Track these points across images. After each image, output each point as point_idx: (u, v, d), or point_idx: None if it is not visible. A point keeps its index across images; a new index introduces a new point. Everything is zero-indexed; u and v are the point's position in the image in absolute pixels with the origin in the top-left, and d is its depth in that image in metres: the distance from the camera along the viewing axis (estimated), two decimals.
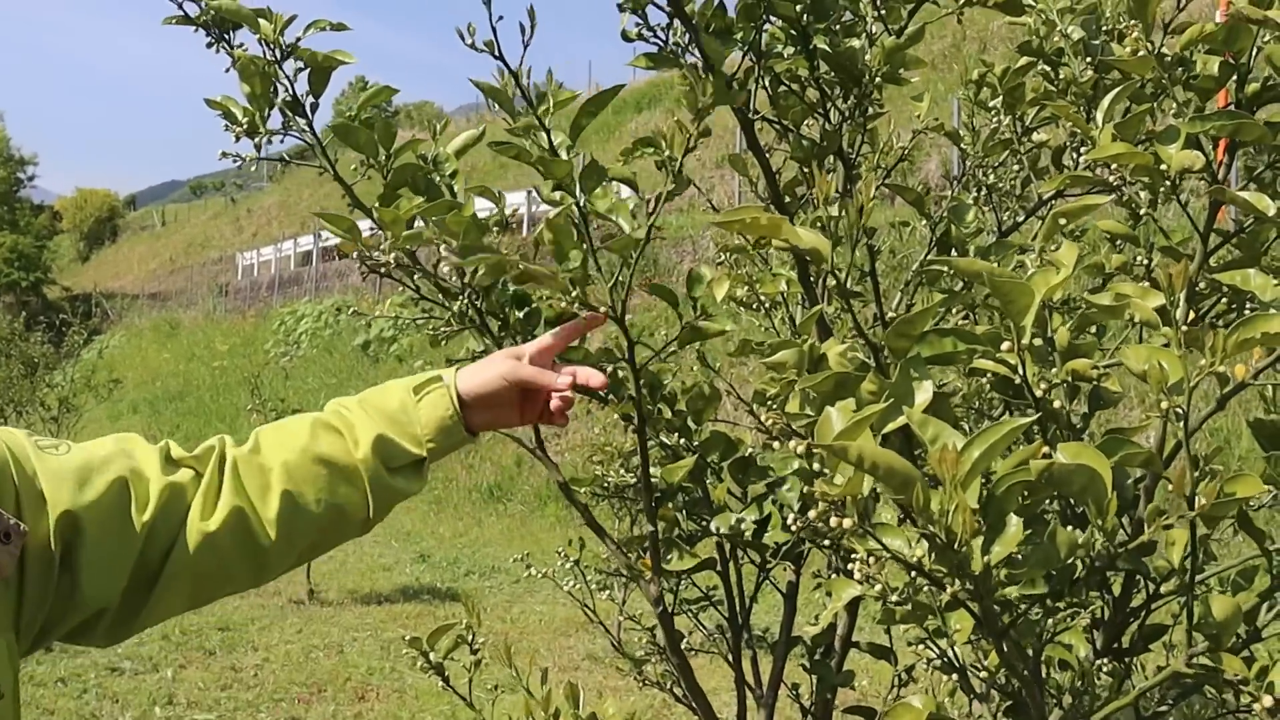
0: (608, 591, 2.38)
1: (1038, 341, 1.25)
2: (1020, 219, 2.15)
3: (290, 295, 29.44)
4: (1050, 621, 1.28)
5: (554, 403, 1.46)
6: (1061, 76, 2.10)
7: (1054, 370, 1.21)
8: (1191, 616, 1.14)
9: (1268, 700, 1.09)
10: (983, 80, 2.27)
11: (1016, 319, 1.14)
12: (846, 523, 1.03)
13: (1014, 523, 1.05)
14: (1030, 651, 1.24)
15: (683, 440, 2.07)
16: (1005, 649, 1.23)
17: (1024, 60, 2.12)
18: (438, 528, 14.39)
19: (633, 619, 2.34)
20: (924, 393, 1.11)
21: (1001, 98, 2.17)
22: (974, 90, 2.28)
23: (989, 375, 1.27)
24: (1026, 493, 1.00)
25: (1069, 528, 1.03)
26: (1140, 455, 1.08)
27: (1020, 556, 1.02)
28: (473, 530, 14.29)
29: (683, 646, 2.19)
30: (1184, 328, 1.13)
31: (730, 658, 2.06)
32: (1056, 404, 1.24)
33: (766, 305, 2.23)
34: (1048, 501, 1.51)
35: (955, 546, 0.94)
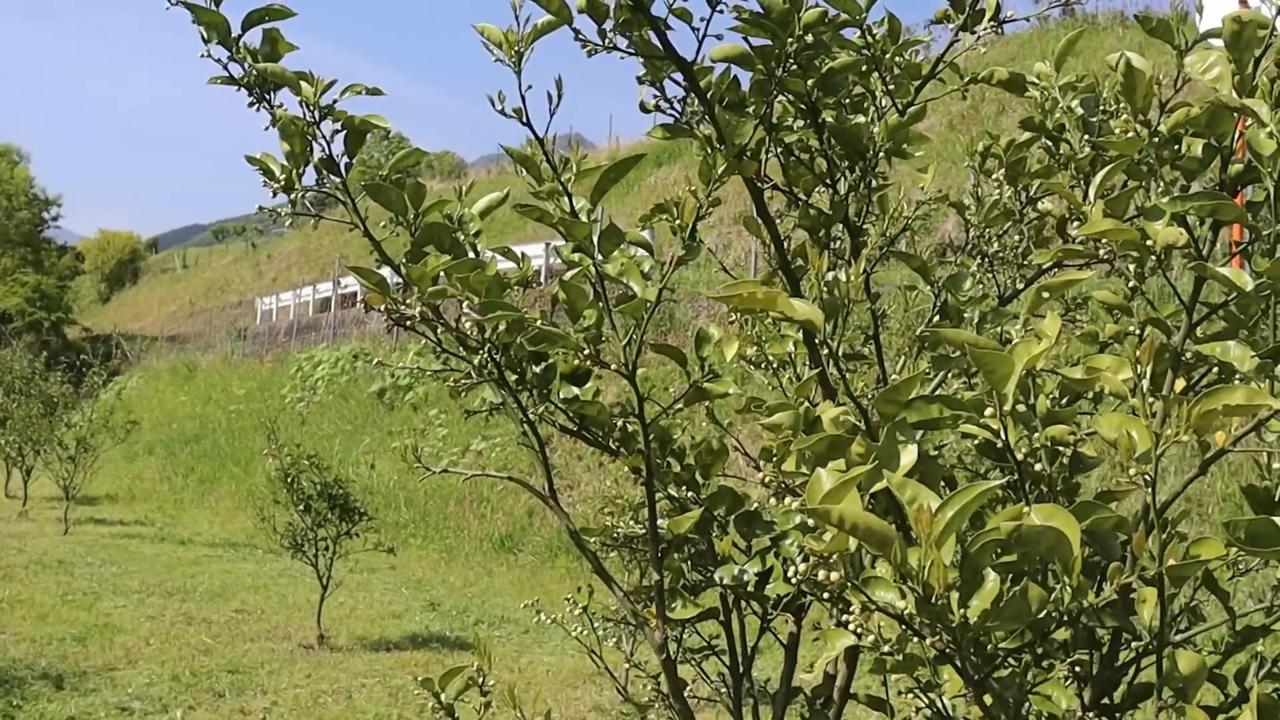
0: (615, 639, 2.45)
1: (1021, 408, 1.33)
2: (1021, 287, 2.23)
3: (308, 341, 29.63)
4: (1030, 674, 1.35)
5: None
6: (1062, 151, 2.20)
7: (1035, 436, 1.29)
8: (1161, 672, 1.22)
9: None
10: (988, 152, 2.36)
11: (998, 386, 1.22)
12: (834, 576, 1.11)
13: (992, 578, 1.13)
14: (1011, 702, 1.31)
15: (690, 493, 2.15)
16: (987, 700, 1.30)
17: (1026, 135, 2.21)
18: (448, 577, 14.43)
19: (639, 667, 2.41)
20: (909, 455, 1.19)
21: (1004, 170, 2.26)
22: (980, 161, 2.38)
23: (975, 441, 1.35)
24: (1000, 550, 1.08)
25: (1046, 584, 1.11)
26: (1110, 519, 1.16)
27: (995, 612, 1.09)
28: (483, 580, 14.33)
29: (686, 694, 2.26)
30: (1171, 395, 1.21)
31: (731, 705, 2.13)
32: (1038, 467, 1.32)
33: (775, 365, 2.31)
34: (1038, 560, 1.59)
35: (932, 600, 1.02)
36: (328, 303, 31.77)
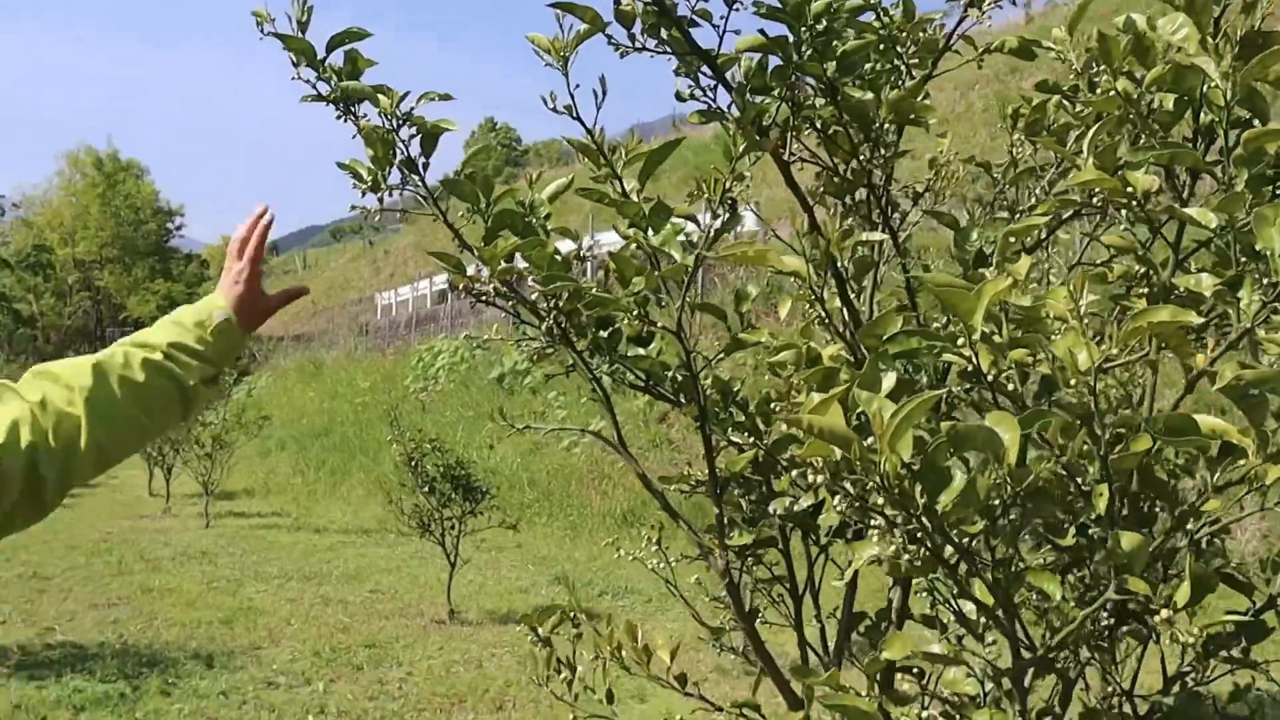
0: (695, 577, 2.70)
1: (998, 339, 1.56)
2: (1043, 237, 2.43)
3: (427, 332, 30.30)
4: (1014, 565, 1.57)
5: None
6: (1077, 109, 2.39)
7: (1005, 360, 1.52)
8: (1107, 552, 1.43)
9: (1165, 613, 1.38)
10: (1016, 113, 2.57)
11: (965, 319, 1.45)
12: (819, 477, 1.35)
13: (959, 476, 1.36)
14: (996, 584, 1.53)
15: (752, 439, 2.39)
16: (962, 586, 1.54)
17: (1040, 97, 2.41)
18: (573, 552, 14.80)
19: (717, 599, 2.66)
20: (889, 381, 1.42)
21: (1024, 127, 2.46)
22: (1012, 123, 2.58)
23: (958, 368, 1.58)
24: (951, 451, 1.31)
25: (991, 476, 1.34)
26: (1057, 421, 1.38)
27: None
28: (608, 553, 14.63)
29: (759, 622, 2.51)
30: (1110, 317, 1.43)
31: (794, 625, 2.38)
32: (1010, 387, 1.54)
33: (829, 320, 2.55)
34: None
35: (888, 487, 1.26)
36: (445, 294, 32.43)
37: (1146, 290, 2.06)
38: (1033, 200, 2.37)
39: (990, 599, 1.59)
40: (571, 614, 2.54)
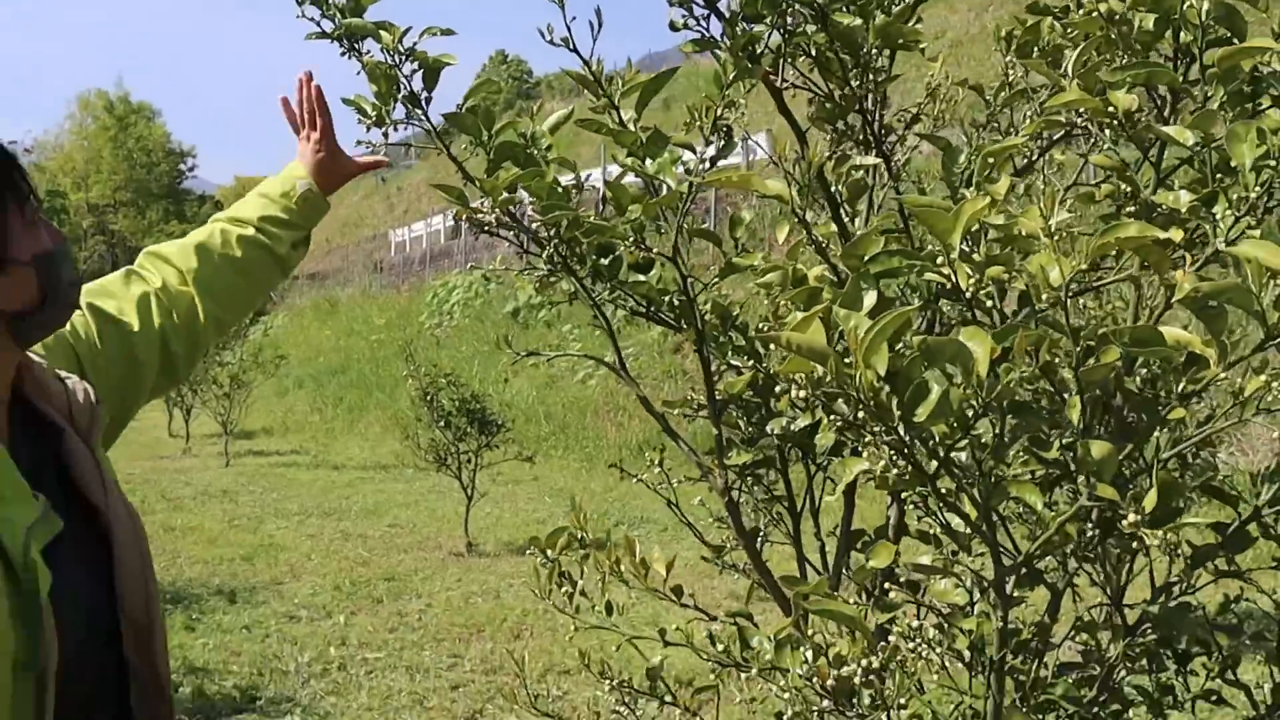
0: (699, 498, 2.77)
1: (976, 257, 1.61)
2: (1034, 158, 2.47)
3: (442, 268, 30.37)
4: (996, 471, 1.64)
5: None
6: (1067, 30, 2.43)
7: (984, 278, 1.57)
8: (1076, 462, 1.50)
9: (1133, 517, 1.44)
10: (1010, 34, 2.60)
11: (943, 238, 1.50)
12: (801, 392, 1.41)
13: (935, 390, 1.42)
14: (979, 497, 1.60)
15: (752, 362, 2.45)
16: (951, 495, 1.61)
17: (1032, 19, 2.44)
18: (590, 483, 14.94)
19: (720, 520, 2.73)
20: (870, 299, 1.48)
21: (1015, 49, 2.49)
22: (1005, 46, 2.61)
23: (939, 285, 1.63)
24: (926, 365, 1.37)
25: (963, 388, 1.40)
26: (1032, 335, 1.43)
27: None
28: (623, 484, 14.75)
29: (761, 543, 2.59)
30: (1080, 234, 1.48)
31: (793, 542, 2.45)
32: (989, 303, 1.60)
33: (824, 244, 2.60)
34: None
35: (864, 400, 1.32)
36: (458, 229, 32.43)
37: (1134, 209, 2.11)
38: (1026, 122, 2.41)
39: (974, 511, 1.66)
40: (579, 535, 2.62)
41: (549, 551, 2.64)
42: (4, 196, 1.55)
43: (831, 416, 1.49)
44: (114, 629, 1.59)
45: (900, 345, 1.36)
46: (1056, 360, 1.47)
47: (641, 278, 2.28)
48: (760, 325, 1.93)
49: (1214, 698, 2.29)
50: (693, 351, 2.26)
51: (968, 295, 1.55)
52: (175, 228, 51.66)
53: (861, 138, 2.24)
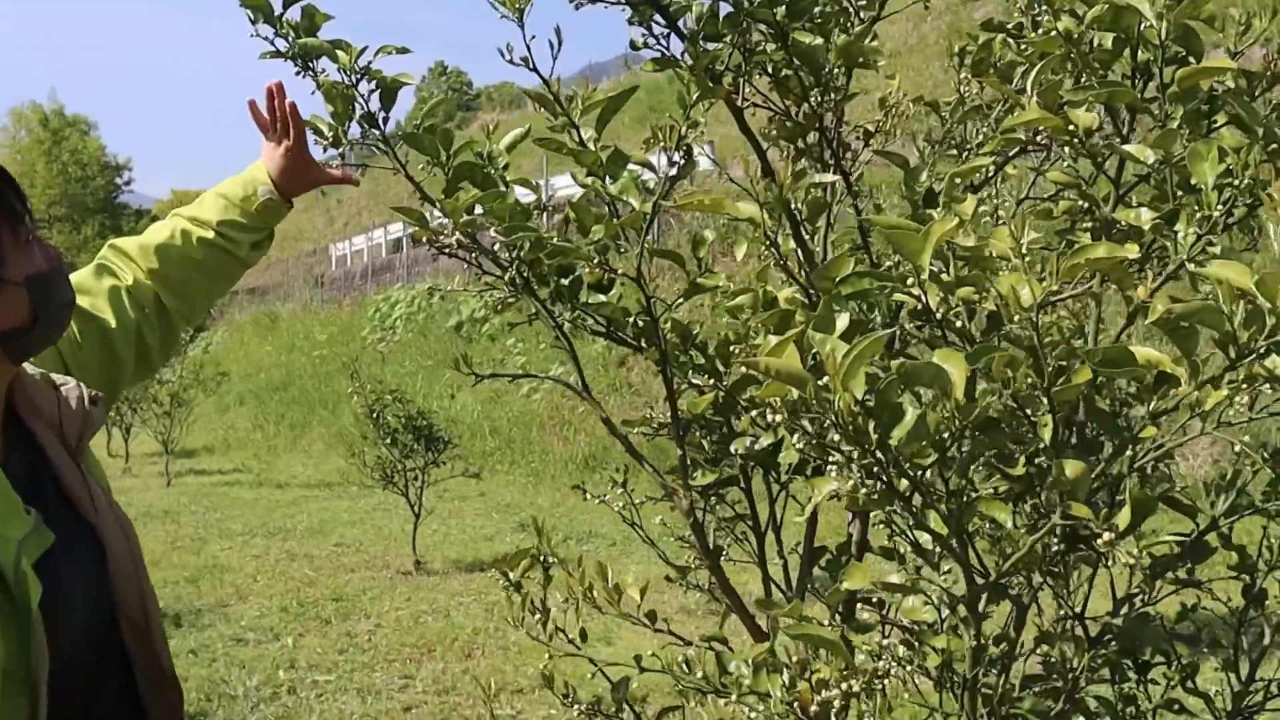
0: (660, 517, 2.76)
1: (946, 278, 1.62)
2: (991, 174, 2.48)
3: (384, 282, 30.17)
4: (966, 495, 1.64)
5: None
6: (1021, 47, 2.44)
7: (952, 298, 1.57)
8: (1050, 481, 1.50)
9: (1107, 535, 1.45)
10: (964, 51, 2.62)
11: (913, 259, 1.50)
12: (777, 417, 1.40)
13: (911, 412, 1.42)
14: (949, 514, 1.60)
15: (712, 381, 2.44)
16: (935, 518, 1.61)
17: (985, 35, 2.46)
18: (536, 499, 14.89)
19: (682, 539, 2.72)
20: (843, 321, 1.48)
21: (970, 68, 2.51)
22: (958, 61, 2.63)
23: (909, 306, 1.64)
24: (902, 388, 1.36)
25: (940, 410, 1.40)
26: (1004, 356, 1.44)
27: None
28: (570, 499, 14.76)
29: (723, 560, 2.58)
30: (1054, 256, 1.49)
31: (757, 561, 2.45)
32: (959, 324, 1.60)
33: (784, 261, 2.60)
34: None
35: (842, 424, 1.32)
36: (400, 244, 32.23)
37: (1090, 225, 2.13)
38: (980, 138, 2.42)
39: (945, 529, 1.66)
40: (541, 557, 2.60)
41: (511, 574, 2.62)
42: None
43: (795, 437, 1.49)
44: (115, 626, 1.70)
45: (878, 368, 1.36)
46: (1029, 380, 1.47)
47: (603, 298, 2.27)
48: (735, 349, 1.92)
49: (1176, 707, 2.31)
50: (638, 365, 2.25)
51: (938, 316, 1.55)
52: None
53: (820, 155, 2.24)
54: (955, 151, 2.51)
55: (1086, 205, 2.28)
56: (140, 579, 1.78)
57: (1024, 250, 1.43)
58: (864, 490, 1.59)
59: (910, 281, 1.54)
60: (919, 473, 1.48)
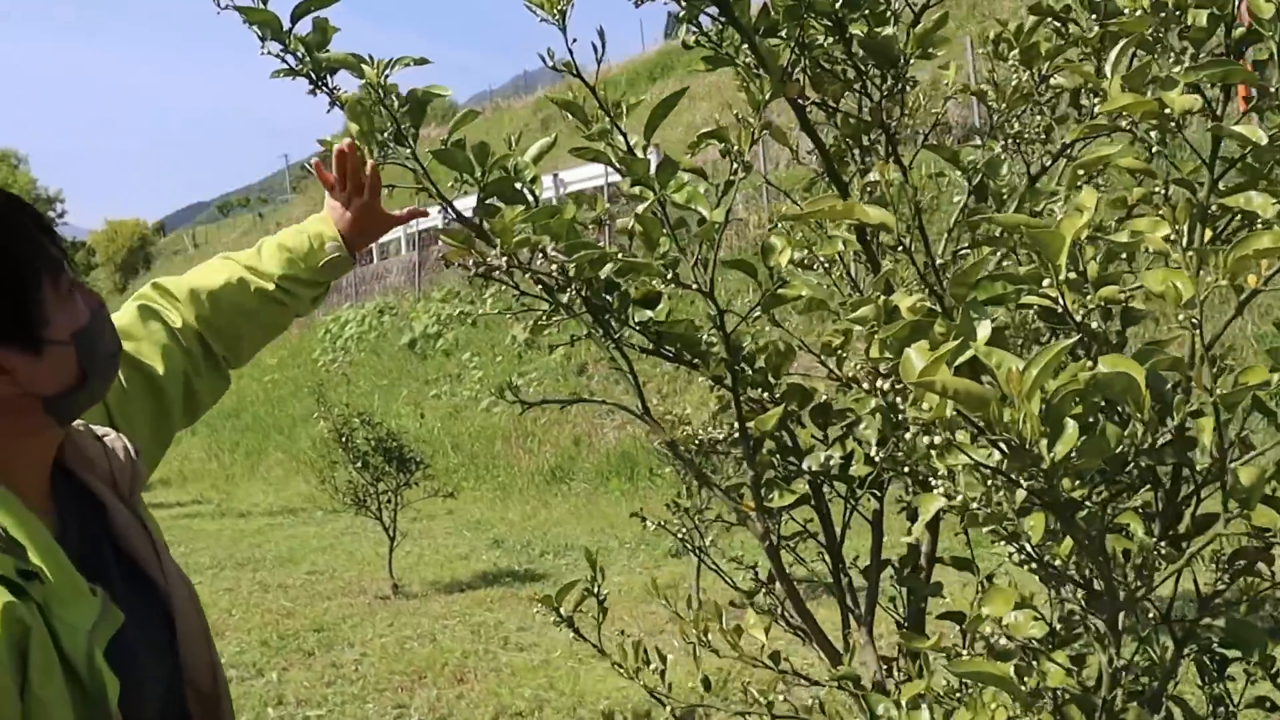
0: (674, 551, 2.63)
1: (1073, 275, 1.50)
2: (1048, 164, 2.37)
3: (331, 303, 29.82)
4: (1109, 509, 1.53)
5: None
6: (1071, 31, 2.33)
7: (1089, 298, 1.46)
8: (1225, 489, 1.39)
9: None
10: (999, 38, 2.50)
11: (1053, 259, 1.38)
12: (938, 439, 1.28)
13: (1071, 426, 1.30)
14: (1094, 532, 1.48)
15: (765, 394, 2.32)
16: (1075, 535, 1.49)
17: (1033, 19, 2.35)
18: (506, 514, 14.73)
19: (736, 560, 2.59)
20: (984, 329, 1.36)
21: (1018, 53, 2.39)
22: (993, 48, 2.52)
23: (1034, 308, 1.52)
24: (1077, 400, 1.24)
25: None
26: (1166, 360, 1.32)
27: (1077, 452, 1.26)
28: (541, 512, 14.61)
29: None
30: (1202, 246, 1.37)
31: (831, 581, 2.32)
32: (1094, 325, 1.48)
33: (826, 265, 2.47)
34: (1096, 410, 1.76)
35: (1026, 448, 1.19)
36: None
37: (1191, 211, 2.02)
38: (1039, 128, 2.31)
39: (1071, 542, 1.55)
40: (590, 586, 2.46)
41: (562, 608, 2.48)
42: (36, 268, 1.39)
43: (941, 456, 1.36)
44: (182, 706, 1.54)
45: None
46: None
47: (649, 313, 2.14)
48: (856, 364, 1.79)
49: (1268, 704, 2.23)
50: (598, 372, 2.11)
51: (1079, 318, 1.44)
52: None
53: (885, 151, 2.13)
54: (1009, 142, 2.40)
55: (1163, 192, 2.17)
56: (209, 644, 1.60)
57: (1185, 242, 1.32)
58: (984, 506, 1.48)
59: (1047, 282, 1.42)
60: (1076, 488, 1.36)
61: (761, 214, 16.28)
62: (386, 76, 2.16)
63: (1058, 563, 1.78)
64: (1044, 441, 1.22)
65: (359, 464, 10.38)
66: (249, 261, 2.07)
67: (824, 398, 2.36)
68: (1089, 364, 1.31)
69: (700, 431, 2.55)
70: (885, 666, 2.36)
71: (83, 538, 1.48)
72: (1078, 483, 1.50)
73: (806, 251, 2.40)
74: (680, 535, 2.49)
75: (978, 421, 1.23)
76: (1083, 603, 1.64)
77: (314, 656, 8.36)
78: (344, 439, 10.41)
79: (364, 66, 2.11)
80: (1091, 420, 1.27)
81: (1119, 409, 1.60)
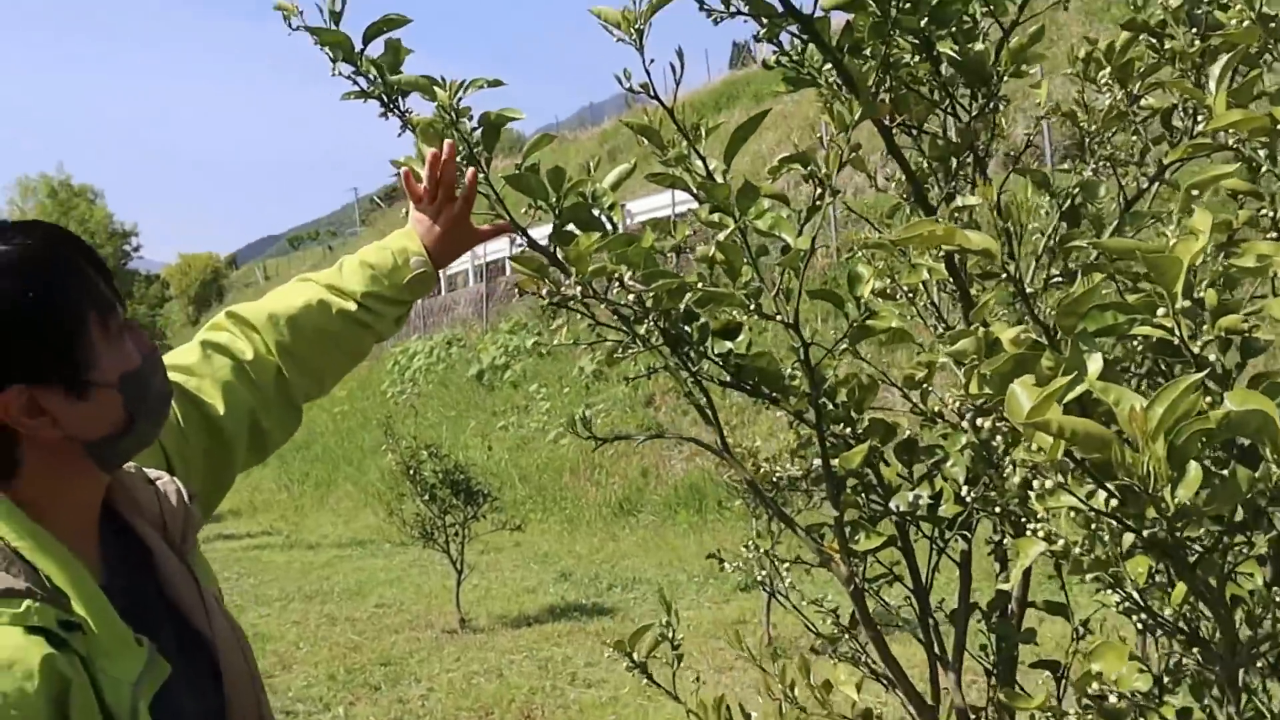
0: (748, 590, 2.53)
1: (1188, 303, 1.39)
2: (1144, 186, 2.27)
3: (399, 335, 30.00)
4: (1230, 556, 1.42)
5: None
6: (1167, 47, 2.22)
7: (1205, 328, 1.35)
8: None
9: None
10: (1089, 57, 2.40)
11: (1169, 287, 1.28)
12: (1049, 483, 1.18)
13: (1194, 468, 1.19)
14: (1214, 582, 1.38)
15: (848, 429, 2.22)
16: (1194, 585, 1.38)
17: (1125, 35, 2.24)
18: (574, 546, 14.64)
19: (816, 602, 2.49)
20: (1095, 363, 1.26)
21: (1113, 72, 2.29)
22: (1082, 67, 2.41)
23: (1141, 340, 1.42)
24: (1203, 440, 1.14)
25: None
26: None
27: (1208, 497, 1.16)
28: (608, 545, 14.52)
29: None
30: None
31: (919, 626, 2.21)
32: (1212, 357, 1.37)
33: (910, 295, 2.37)
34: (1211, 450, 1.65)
35: (1151, 492, 1.09)
36: None
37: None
38: (1135, 149, 2.20)
39: (1184, 590, 1.44)
40: (664, 631, 2.37)
41: (635, 654, 2.38)
42: (83, 309, 1.32)
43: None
44: None
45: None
46: None
47: (729, 345, 2.06)
48: (949, 399, 1.70)
49: None
50: (665, 404, 2.02)
51: (1197, 350, 1.33)
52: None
53: (972, 174, 2.03)
54: (1103, 163, 2.29)
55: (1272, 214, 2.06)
56: (258, 698, 1.53)
57: None
58: (1089, 553, 1.38)
59: (1161, 312, 1.32)
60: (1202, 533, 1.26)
61: (831, 243, 16.12)
62: (460, 99, 2.10)
63: (1167, 612, 1.67)
64: (1168, 486, 1.12)
65: (426, 497, 10.35)
66: (330, 280, 1.99)
67: (908, 433, 2.26)
68: (1206, 400, 1.21)
69: (779, 469, 2.46)
70: (974, 717, 2.25)
71: (130, 584, 1.42)
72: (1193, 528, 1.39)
73: (889, 281, 2.31)
74: (759, 579, 2.38)
75: (1090, 463, 1.13)
76: (1198, 657, 1.53)
77: (380, 691, 8.31)
78: (411, 471, 10.38)
79: (436, 89, 2.04)
80: (1209, 461, 1.17)
81: (1237, 447, 1.50)
